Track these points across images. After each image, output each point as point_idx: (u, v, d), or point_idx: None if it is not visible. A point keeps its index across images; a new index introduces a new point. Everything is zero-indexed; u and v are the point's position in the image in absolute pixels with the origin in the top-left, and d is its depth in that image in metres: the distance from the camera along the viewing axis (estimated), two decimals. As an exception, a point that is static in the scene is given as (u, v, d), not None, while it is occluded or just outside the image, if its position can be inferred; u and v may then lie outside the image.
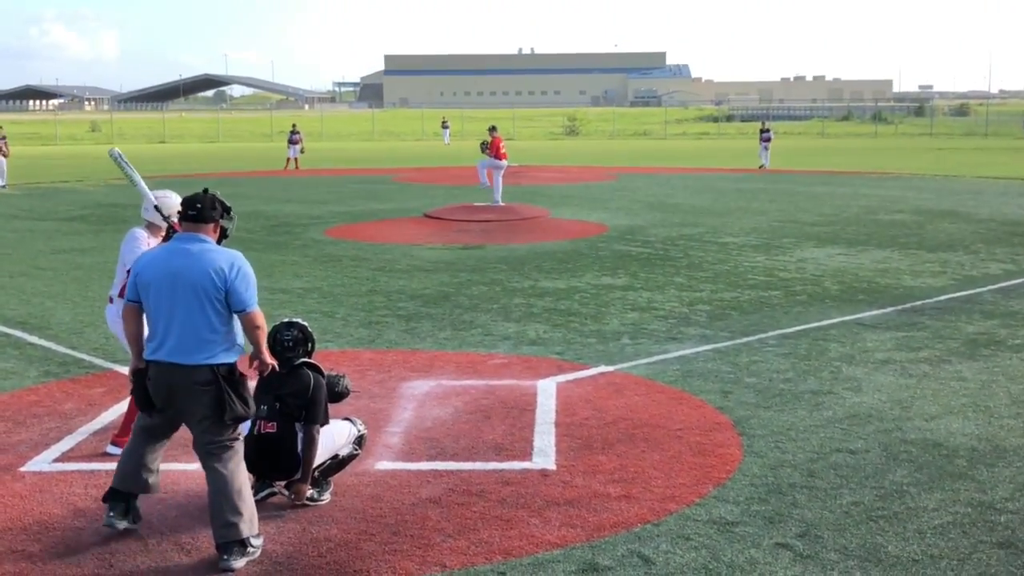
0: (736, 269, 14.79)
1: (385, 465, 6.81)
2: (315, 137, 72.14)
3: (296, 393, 6.04)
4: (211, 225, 5.62)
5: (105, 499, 5.76)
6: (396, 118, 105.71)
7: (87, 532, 5.76)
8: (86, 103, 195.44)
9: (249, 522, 5.43)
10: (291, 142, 40.51)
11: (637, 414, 7.89)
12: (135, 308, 5.61)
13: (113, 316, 7.09)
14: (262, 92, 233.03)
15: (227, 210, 5.79)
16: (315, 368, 6.21)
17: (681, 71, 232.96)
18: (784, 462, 6.83)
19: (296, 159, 40.09)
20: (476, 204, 23.49)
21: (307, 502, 6.10)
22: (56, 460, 6.99)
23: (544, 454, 6.99)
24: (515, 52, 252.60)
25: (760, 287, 13.31)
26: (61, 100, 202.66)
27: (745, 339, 10.38)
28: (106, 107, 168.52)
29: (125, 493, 5.71)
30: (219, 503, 5.42)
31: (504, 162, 24.52)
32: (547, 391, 8.51)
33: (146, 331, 5.66)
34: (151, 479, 5.75)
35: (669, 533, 5.72)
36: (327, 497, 6.20)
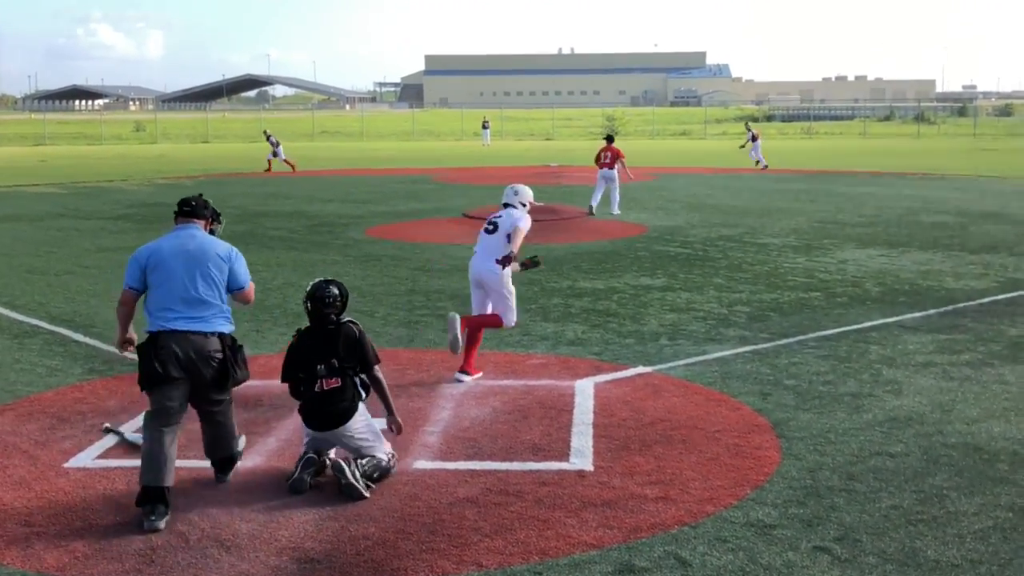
0: (776, 270, 14.71)
1: (423, 464, 6.86)
2: (356, 137, 72.75)
3: (350, 347, 6.51)
4: (203, 221, 6.51)
5: (139, 502, 5.95)
6: (436, 118, 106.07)
7: (129, 528, 5.86)
8: (131, 103, 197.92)
9: (239, 440, 6.65)
10: (273, 145, 38.38)
11: (675, 415, 7.88)
12: (135, 294, 6.41)
13: None
14: (304, 92, 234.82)
15: (216, 215, 6.67)
16: (351, 320, 6.69)
17: (721, 71, 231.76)
18: (823, 465, 6.80)
19: (275, 160, 37.79)
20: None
21: (358, 485, 6.26)
22: (99, 457, 7.11)
23: (581, 455, 7.01)
24: (555, 52, 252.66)
25: (800, 288, 13.23)
26: (106, 100, 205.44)
27: (784, 341, 10.32)
28: (150, 107, 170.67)
29: (157, 490, 5.92)
30: (224, 439, 6.50)
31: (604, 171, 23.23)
32: (585, 391, 8.52)
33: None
34: (173, 468, 6.11)
35: (706, 535, 5.72)
36: (368, 494, 6.31)
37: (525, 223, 9.25)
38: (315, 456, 6.50)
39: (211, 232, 6.53)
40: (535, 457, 6.98)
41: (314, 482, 6.41)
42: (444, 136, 75.08)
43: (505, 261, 9.02)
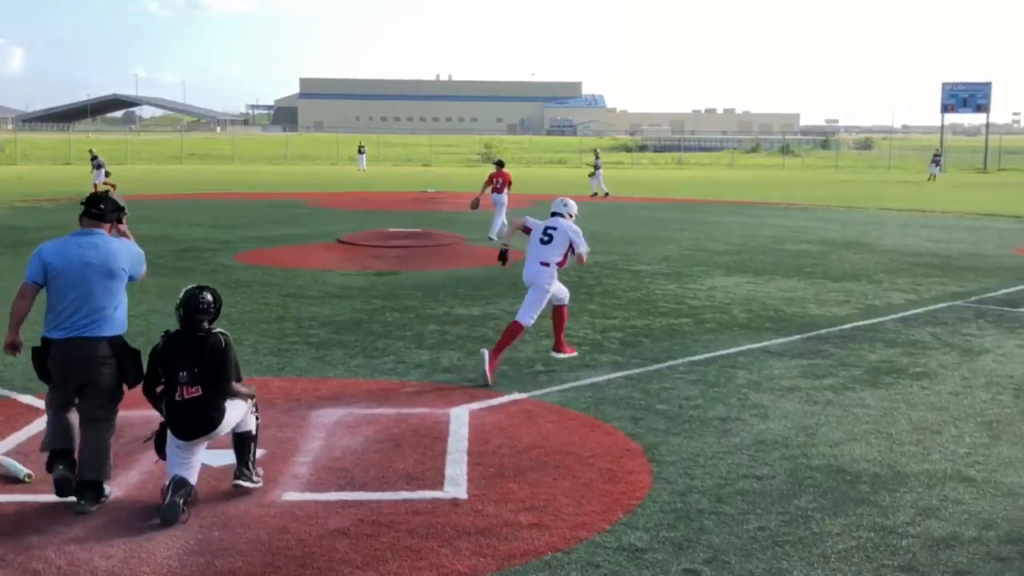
0: (648, 297, 14.96)
1: (293, 496, 6.70)
2: (227, 160, 71.29)
3: (215, 356, 6.46)
4: (108, 225, 6.75)
5: (49, 466, 6.52)
6: (310, 142, 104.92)
7: (-21, 567, 5.55)
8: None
9: (110, 470, 6.55)
10: (95, 167, 37.02)
11: (549, 441, 7.90)
12: (34, 288, 6.57)
13: None
14: (173, 113, 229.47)
15: (120, 210, 6.91)
16: (222, 332, 6.67)
17: (596, 101, 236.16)
18: (693, 488, 6.91)
19: (100, 184, 35.31)
20: (391, 230, 23.37)
21: (245, 484, 6.63)
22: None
23: (456, 483, 6.96)
24: (433, 78, 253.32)
25: (671, 315, 13.48)
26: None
27: (656, 366, 10.49)
28: (10, 127, 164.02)
29: (63, 451, 6.50)
30: (96, 459, 6.42)
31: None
32: (460, 419, 8.48)
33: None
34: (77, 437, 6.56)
35: (579, 561, 5.73)
36: (259, 480, 6.74)
37: (584, 246, 10.52)
38: (183, 477, 6.28)
39: (117, 230, 6.83)
40: (408, 486, 6.90)
41: (186, 510, 6.18)
42: (319, 160, 74.28)
43: (579, 261, 10.63)
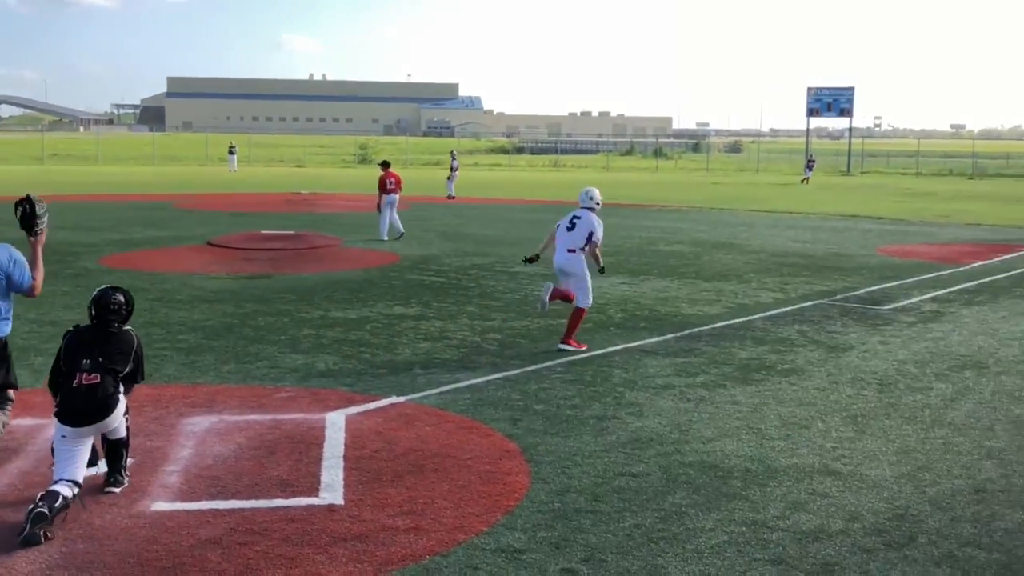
0: (527, 298, 15.03)
1: (162, 506, 6.49)
2: (91, 160, 68.90)
3: (123, 351, 6.65)
4: None
5: None
6: (178, 142, 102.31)
7: None
8: None
9: None
10: None
11: (427, 445, 7.84)
12: None
13: None
14: (33, 113, 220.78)
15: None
16: (135, 332, 6.88)
17: (474, 103, 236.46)
18: (570, 488, 6.95)
19: None
20: (263, 232, 22.94)
21: (113, 488, 6.67)
22: None
23: (332, 489, 6.84)
24: (306, 78, 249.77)
25: (549, 315, 13.55)
26: None
27: (534, 367, 10.53)
28: None
29: None
30: None
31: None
32: (336, 424, 8.35)
33: None
34: None
35: (457, 564, 5.69)
36: (126, 481, 6.78)
37: (600, 221, 11.70)
38: (46, 512, 5.94)
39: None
40: (283, 493, 6.75)
41: (48, 534, 5.90)
42: (187, 161, 72.44)
43: (593, 253, 11.58)
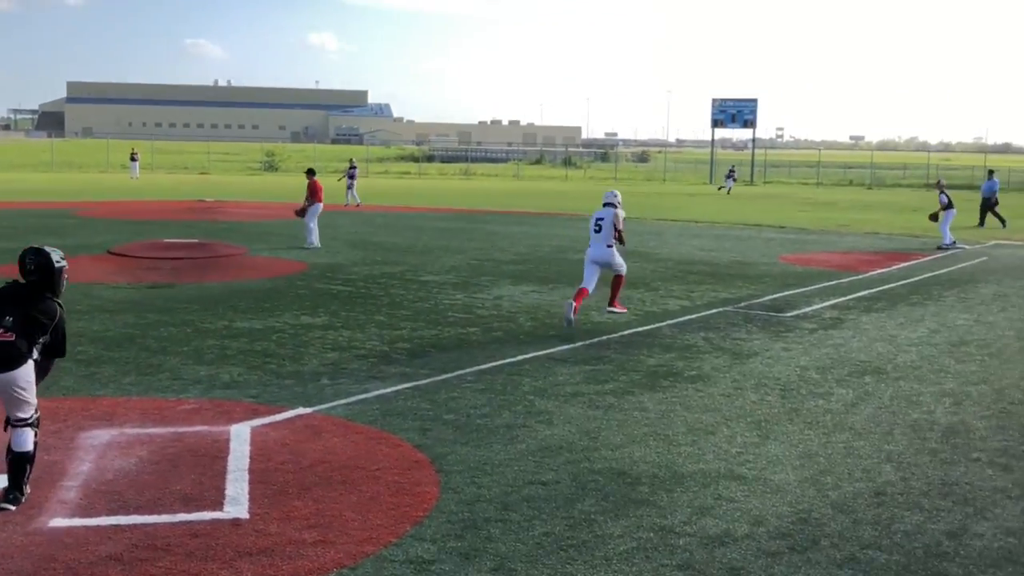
0: (436, 307, 14.98)
1: (60, 522, 6.29)
2: (-13, 167, 66.64)
3: (44, 319, 6.68)
4: None
5: None
6: (78, 148, 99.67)
7: None
8: None
9: None
10: None
11: (335, 456, 7.75)
12: None
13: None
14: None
15: None
16: (61, 305, 6.85)
17: (383, 110, 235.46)
18: (480, 497, 6.93)
19: None
20: (166, 240, 22.47)
21: (9, 505, 6.48)
22: None
23: (236, 502, 6.71)
24: (211, 84, 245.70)
25: (459, 324, 13.54)
26: None
27: (444, 376, 10.49)
28: None
29: None
30: None
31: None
32: (241, 436, 8.20)
33: None
34: None
35: (366, 577, 5.63)
36: (24, 499, 6.59)
37: (622, 212, 14.20)
38: None
39: None
40: (186, 508, 6.60)
41: None
42: (88, 168, 70.61)
43: (619, 240, 14.00)
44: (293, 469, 7.43)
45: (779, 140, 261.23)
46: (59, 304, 6.87)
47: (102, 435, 8.14)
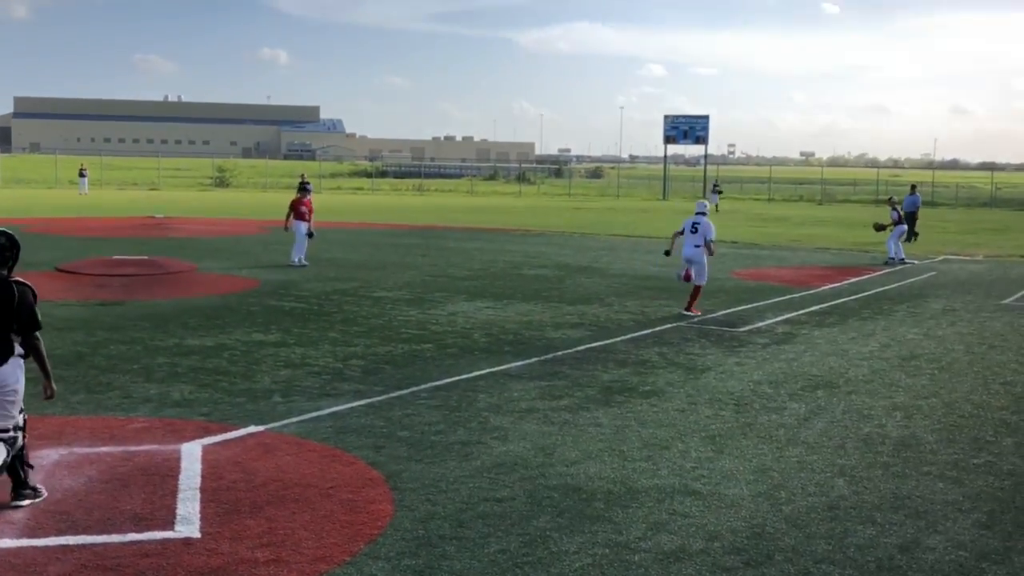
0: (390, 323, 14.91)
1: (7, 543, 6.18)
2: (-69, 182, 65.37)
3: (16, 305, 6.76)
4: None
5: None
6: (26, 164, 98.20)
7: None
8: None
9: None
10: None
11: (288, 475, 7.67)
12: None
13: None
14: None
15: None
16: (24, 283, 6.96)
17: (335, 126, 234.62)
18: (434, 514, 6.88)
19: None
20: (116, 257, 22.16)
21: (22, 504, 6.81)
22: None
23: (188, 522, 6.61)
24: (161, 99, 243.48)
25: (413, 340, 13.49)
26: None
27: (399, 393, 10.44)
28: None
29: None
30: None
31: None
32: (192, 455, 8.08)
33: None
34: None
35: (320, 597, 5.56)
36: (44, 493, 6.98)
37: (712, 224, 16.64)
38: None
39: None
40: (136, 527, 6.49)
41: None
42: (35, 184, 69.52)
43: (708, 248, 16.37)
44: (245, 487, 7.34)
45: (731, 156, 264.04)
46: (26, 284, 6.96)
47: (51, 454, 7.99)
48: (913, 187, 37.64)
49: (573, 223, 41.31)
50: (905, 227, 27.77)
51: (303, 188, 24.46)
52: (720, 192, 57.27)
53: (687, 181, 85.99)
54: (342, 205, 50.81)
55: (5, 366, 6.71)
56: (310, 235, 23.15)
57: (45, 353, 7.00)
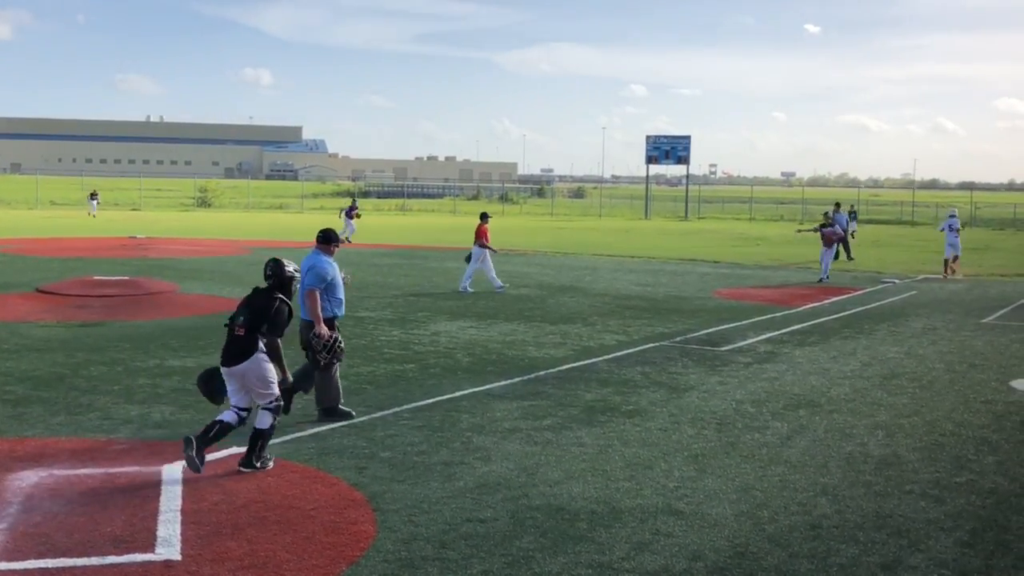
0: (372, 343, 14.88)
1: (-16, 568, 6.11)
2: (-90, 203, 64.92)
3: (263, 310, 8.32)
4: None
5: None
6: (6, 184, 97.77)
7: None
8: None
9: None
10: None
11: (269, 496, 7.63)
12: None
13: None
14: None
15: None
16: (284, 300, 8.50)
17: (318, 146, 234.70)
18: (417, 536, 6.86)
19: None
20: (96, 278, 22.06)
21: (257, 468, 8.16)
22: None
23: (168, 544, 6.57)
24: (143, 119, 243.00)
25: (396, 360, 13.46)
26: None
27: (381, 413, 10.41)
28: None
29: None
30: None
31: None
32: (173, 476, 8.04)
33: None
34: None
35: (302, 619, 5.53)
36: (271, 464, 8.29)
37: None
38: (190, 437, 7.92)
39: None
40: (117, 550, 6.45)
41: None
42: (17, 204, 69.20)
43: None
44: (227, 509, 7.30)
45: (712, 176, 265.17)
46: (281, 301, 8.43)
47: (30, 476, 7.93)
48: (837, 205, 37.65)
49: (556, 243, 41.38)
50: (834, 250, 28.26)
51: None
52: (855, 217, 43.24)
53: (669, 201, 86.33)
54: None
55: (249, 361, 8.16)
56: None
57: (281, 352, 8.44)
